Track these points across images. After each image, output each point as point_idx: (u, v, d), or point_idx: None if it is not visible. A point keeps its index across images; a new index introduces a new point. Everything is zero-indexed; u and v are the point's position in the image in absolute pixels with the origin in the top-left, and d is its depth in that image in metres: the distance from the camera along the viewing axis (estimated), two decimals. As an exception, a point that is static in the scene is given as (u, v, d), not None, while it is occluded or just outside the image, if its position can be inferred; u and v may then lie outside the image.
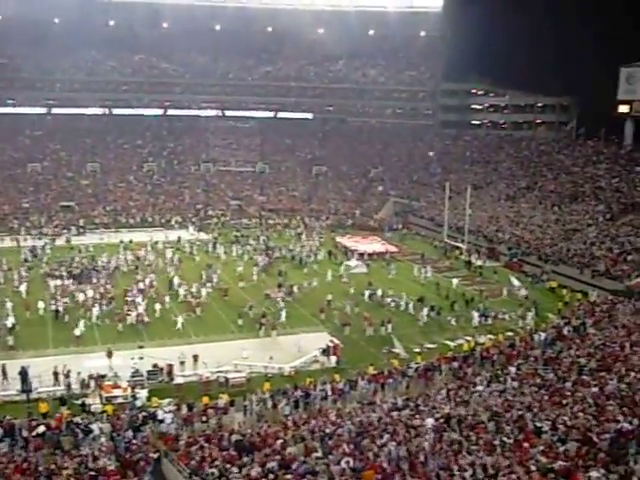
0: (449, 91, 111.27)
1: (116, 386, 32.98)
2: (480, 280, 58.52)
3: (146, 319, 44.21)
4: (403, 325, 45.35)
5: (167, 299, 48.27)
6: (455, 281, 56.40)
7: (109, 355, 37.28)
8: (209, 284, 52.95)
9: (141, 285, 51.24)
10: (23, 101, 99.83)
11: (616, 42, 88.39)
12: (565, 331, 40.85)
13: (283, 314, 45.72)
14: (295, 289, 51.84)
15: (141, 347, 38.68)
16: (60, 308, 45.30)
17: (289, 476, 20.03)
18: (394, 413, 27.38)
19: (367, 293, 51.99)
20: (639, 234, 59.87)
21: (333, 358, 38.65)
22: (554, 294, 53.81)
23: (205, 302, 48.86)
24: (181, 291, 50.56)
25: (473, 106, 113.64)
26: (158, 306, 46.35)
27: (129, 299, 47.12)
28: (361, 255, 65.23)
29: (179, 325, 43.24)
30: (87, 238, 70.33)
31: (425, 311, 46.95)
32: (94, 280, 52.79)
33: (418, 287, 55.26)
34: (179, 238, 69.89)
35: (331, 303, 48.88)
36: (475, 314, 46.71)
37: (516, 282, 55.34)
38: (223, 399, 31.33)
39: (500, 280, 57.68)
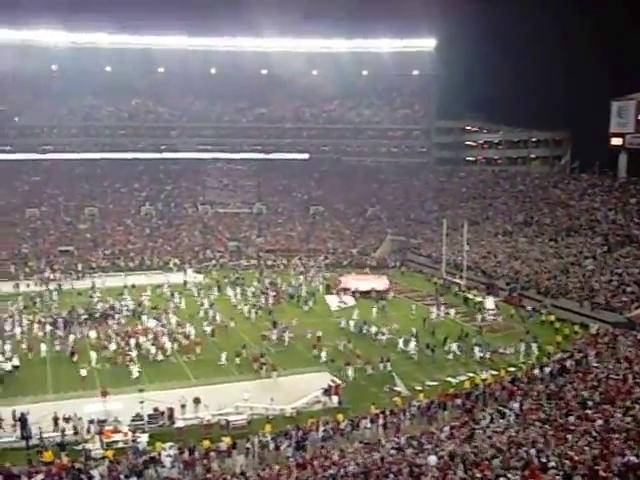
0: (443, 129, 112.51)
1: (117, 431, 32.65)
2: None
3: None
4: (399, 362, 45.09)
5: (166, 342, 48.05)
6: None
7: (104, 395, 37.07)
8: (209, 323, 53.43)
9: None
10: (20, 147, 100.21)
11: (607, 76, 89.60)
12: (568, 364, 40.72)
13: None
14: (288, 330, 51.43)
15: (141, 390, 38.35)
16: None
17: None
18: (398, 452, 27.16)
19: (352, 324, 52.79)
20: (637, 265, 59.97)
21: (335, 398, 38.37)
22: (552, 327, 53.71)
23: (209, 339, 49.46)
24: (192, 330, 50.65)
25: (467, 143, 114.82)
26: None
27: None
28: (353, 293, 65.64)
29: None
30: (87, 282, 69.75)
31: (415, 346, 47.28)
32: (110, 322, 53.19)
33: (412, 323, 54.36)
34: (185, 282, 69.74)
35: (320, 339, 48.73)
36: (476, 349, 46.65)
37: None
38: (224, 442, 31.05)
39: (503, 317, 57.81)
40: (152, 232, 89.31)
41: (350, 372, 42.67)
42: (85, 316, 54.25)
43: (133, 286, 66.24)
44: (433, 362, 45.76)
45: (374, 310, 57.86)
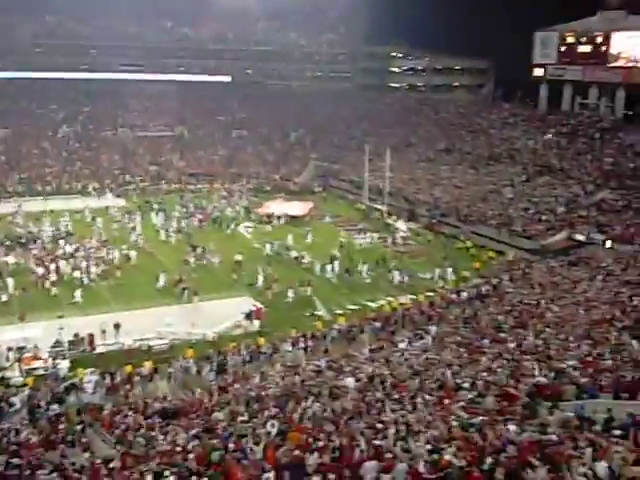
0: (369, 54, 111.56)
1: (36, 357, 32.23)
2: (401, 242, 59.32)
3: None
4: (319, 287, 45.51)
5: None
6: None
7: (21, 319, 36.56)
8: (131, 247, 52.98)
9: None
10: None
11: (531, 7, 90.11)
12: (484, 290, 41.95)
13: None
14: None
15: (61, 317, 37.79)
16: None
17: (215, 441, 20.04)
18: (318, 375, 27.67)
19: (268, 247, 53.23)
20: (553, 195, 61.60)
21: (256, 322, 38.68)
22: (469, 253, 55.09)
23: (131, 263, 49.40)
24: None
25: (392, 69, 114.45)
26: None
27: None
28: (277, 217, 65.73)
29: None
30: (2, 207, 67.58)
31: (335, 271, 48.03)
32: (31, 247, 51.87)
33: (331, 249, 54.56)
34: (107, 207, 68.11)
35: (240, 264, 48.87)
36: (395, 273, 47.53)
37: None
38: (146, 367, 31.07)
39: (422, 242, 58.95)
40: (70, 155, 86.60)
41: (270, 296, 43.11)
42: (7, 242, 52.72)
43: (52, 211, 64.41)
44: (351, 286, 46.45)
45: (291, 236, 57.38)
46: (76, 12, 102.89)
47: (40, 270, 45.63)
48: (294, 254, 52.26)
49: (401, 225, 62.13)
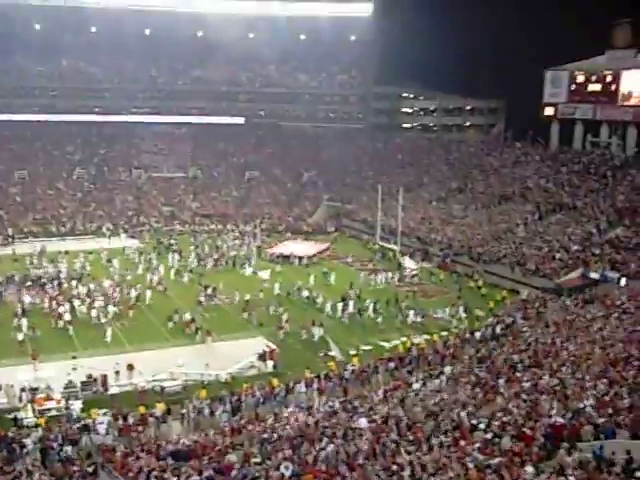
0: (380, 95, 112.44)
1: (49, 398, 32.20)
2: (414, 282, 59.20)
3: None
4: (332, 327, 45.46)
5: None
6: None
7: (34, 358, 36.58)
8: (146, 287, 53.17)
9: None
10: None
11: (541, 46, 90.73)
12: (498, 329, 41.71)
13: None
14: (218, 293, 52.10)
15: (74, 357, 37.85)
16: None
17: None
18: (332, 416, 27.48)
19: (277, 287, 53.52)
20: (566, 233, 61.45)
21: (270, 363, 38.55)
22: (480, 292, 54.90)
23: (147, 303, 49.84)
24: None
25: (404, 109, 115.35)
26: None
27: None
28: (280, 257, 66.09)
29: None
30: (17, 248, 67.92)
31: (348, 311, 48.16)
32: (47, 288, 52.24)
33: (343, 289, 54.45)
34: (122, 248, 68.42)
35: (249, 303, 49.11)
36: (410, 313, 47.42)
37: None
38: (159, 408, 30.95)
39: (435, 282, 58.82)
40: (84, 196, 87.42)
41: (281, 336, 43.18)
42: (27, 282, 53.25)
43: (67, 252, 64.68)
44: (363, 326, 46.31)
45: (312, 276, 57.34)
46: (90, 55, 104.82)
47: (57, 310, 45.97)
48: (306, 294, 52.23)
49: (410, 263, 62.13)
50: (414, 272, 60.61)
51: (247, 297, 50.06)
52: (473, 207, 74.99)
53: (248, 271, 60.97)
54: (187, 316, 45.54)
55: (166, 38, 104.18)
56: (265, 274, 58.24)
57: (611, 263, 53.04)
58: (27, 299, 48.51)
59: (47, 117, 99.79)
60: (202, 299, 50.16)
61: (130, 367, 35.99)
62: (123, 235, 76.07)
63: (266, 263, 64.19)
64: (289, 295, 52.83)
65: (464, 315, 47.78)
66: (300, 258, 65.53)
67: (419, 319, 47.13)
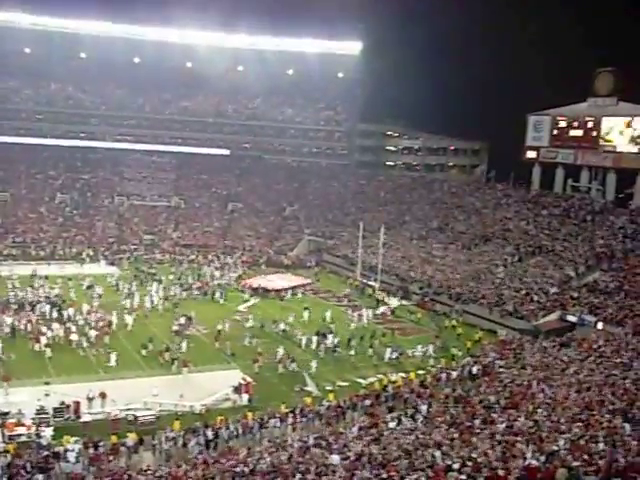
0: (365, 132, 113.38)
1: (20, 424, 31.68)
2: (392, 319, 59.22)
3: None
4: (308, 361, 45.17)
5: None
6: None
7: (6, 380, 36.10)
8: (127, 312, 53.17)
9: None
10: None
11: (525, 90, 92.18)
12: (475, 369, 41.68)
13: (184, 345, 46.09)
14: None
15: (47, 383, 37.36)
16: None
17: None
18: (306, 451, 27.24)
19: (251, 319, 53.57)
20: (545, 275, 61.82)
21: (245, 396, 38.26)
22: (455, 332, 54.83)
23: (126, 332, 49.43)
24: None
25: (388, 147, 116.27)
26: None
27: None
28: (255, 289, 65.67)
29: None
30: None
31: (326, 345, 48.06)
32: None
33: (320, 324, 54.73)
34: (102, 275, 68.17)
35: (220, 333, 49.18)
36: (387, 350, 47.33)
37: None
38: (131, 438, 30.56)
39: (414, 320, 58.81)
40: (66, 221, 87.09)
41: (257, 368, 42.96)
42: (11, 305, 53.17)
43: (46, 277, 64.33)
44: (339, 362, 46.19)
45: (306, 315, 57.05)
46: (78, 81, 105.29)
47: (35, 333, 45.76)
48: (282, 327, 52.08)
49: (389, 301, 62.39)
50: (392, 309, 60.73)
51: (219, 327, 50.07)
52: (453, 247, 75.35)
53: (225, 301, 60.79)
54: (162, 345, 45.21)
55: (155, 67, 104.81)
56: (242, 305, 58.02)
57: (589, 307, 53.40)
58: (8, 320, 48.01)
59: (32, 140, 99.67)
60: (177, 328, 49.92)
61: (102, 395, 35.53)
62: (103, 262, 75.81)
63: (244, 294, 64.07)
64: (263, 327, 52.59)
65: (433, 354, 47.81)
66: (278, 291, 65.46)
67: (395, 356, 47.05)
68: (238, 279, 69.49)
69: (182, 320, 51.36)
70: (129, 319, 51.33)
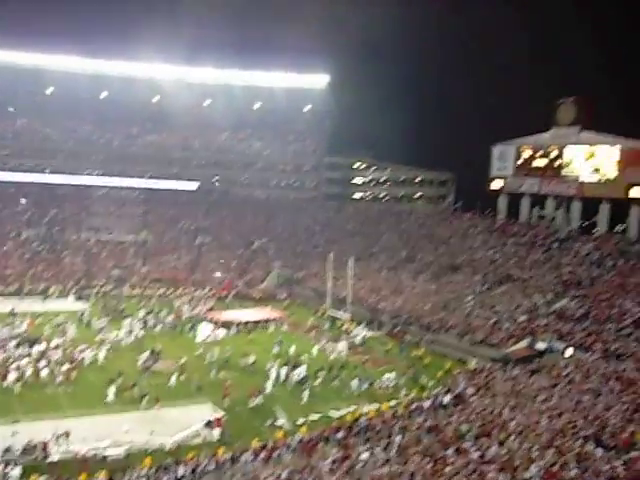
0: (332, 165, 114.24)
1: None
2: (363, 350, 59.12)
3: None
4: (279, 395, 44.92)
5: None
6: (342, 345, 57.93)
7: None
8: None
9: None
10: None
11: (489, 122, 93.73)
12: (446, 399, 41.70)
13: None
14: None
15: (16, 422, 36.64)
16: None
17: None
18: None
19: (216, 351, 52.78)
20: (513, 303, 62.32)
21: (216, 431, 37.85)
22: (431, 362, 54.84)
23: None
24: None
25: (355, 180, 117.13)
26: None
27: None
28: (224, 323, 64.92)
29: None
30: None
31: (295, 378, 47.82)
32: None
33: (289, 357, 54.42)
34: (71, 311, 67.00)
35: (184, 366, 48.62)
36: (354, 382, 47.20)
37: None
38: (101, 477, 30.05)
39: (383, 350, 58.79)
40: (33, 257, 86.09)
41: (227, 403, 42.50)
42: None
43: (13, 313, 63.40)
44: (311, 395, 45.81)
45: (275, 348, 56.68)
46: (44, 115, 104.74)
47: (3, 370, 44.96)
48: (252, 360, 51.73)
49: (358, 332, 62.39)
50: (361, 341, 60.72)
51: (182, 361, 49.53)
52: (422, 277, 75.75)
53: (197, 336, 60.33)
54: (128, 382, 44.66)
55: (122, 102, 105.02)
56: (209, 338, 58.54)
57: (557, 334, 53.86)
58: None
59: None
60: (145, 364, 49.33)
61: (66, 434, 34.77)
62: (71, 297, 74.97)
63: (213, 328, 63.60)
64: (227, 362, 52.00)
65: (404, 385, 47.79)
66: (246, 324, 65.13)
67: (363, 388, 46.91)
68: (207, 312, 69.02)
69: (146, 355, 50.78)
70: (100, 355, 50.72)
